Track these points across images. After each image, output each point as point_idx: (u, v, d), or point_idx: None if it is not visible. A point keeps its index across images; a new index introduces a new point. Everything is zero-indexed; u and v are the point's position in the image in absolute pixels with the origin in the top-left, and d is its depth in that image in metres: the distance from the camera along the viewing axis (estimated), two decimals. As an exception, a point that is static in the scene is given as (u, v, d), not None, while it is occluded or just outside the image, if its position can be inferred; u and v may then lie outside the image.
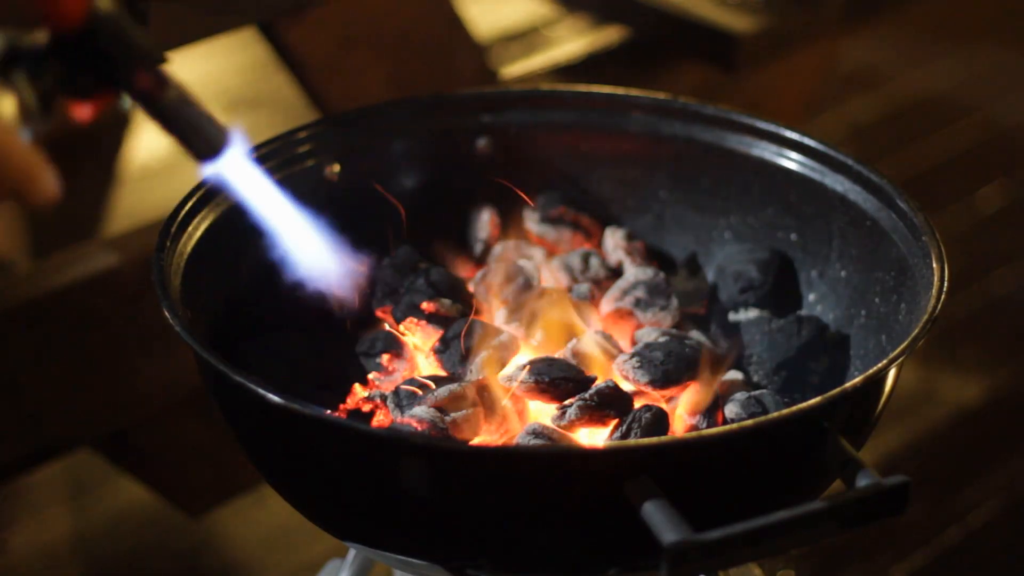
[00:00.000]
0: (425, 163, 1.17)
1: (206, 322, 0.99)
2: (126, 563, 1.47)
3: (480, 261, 1.14)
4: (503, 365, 1.00)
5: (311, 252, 0.96)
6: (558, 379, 0.96)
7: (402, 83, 1.52)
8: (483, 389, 0.96)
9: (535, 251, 1.14)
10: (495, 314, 1.06)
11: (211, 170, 0.89)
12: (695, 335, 1.05)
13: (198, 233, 1.01)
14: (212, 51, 2.17)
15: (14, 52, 0.78)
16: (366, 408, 0.97)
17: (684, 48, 1.76)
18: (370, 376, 1.01)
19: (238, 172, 0.90)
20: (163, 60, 0.82)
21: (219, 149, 0.87)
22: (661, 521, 0.78)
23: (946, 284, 0.94)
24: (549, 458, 0.84)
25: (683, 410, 0.97)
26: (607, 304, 1.08)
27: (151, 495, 1.51)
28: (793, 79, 1.93)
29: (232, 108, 2.25)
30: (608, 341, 1.02)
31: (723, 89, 1.80)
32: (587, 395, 0.95)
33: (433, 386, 0.96)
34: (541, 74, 1.76)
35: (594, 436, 0.95)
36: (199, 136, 0.87)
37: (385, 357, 1.02)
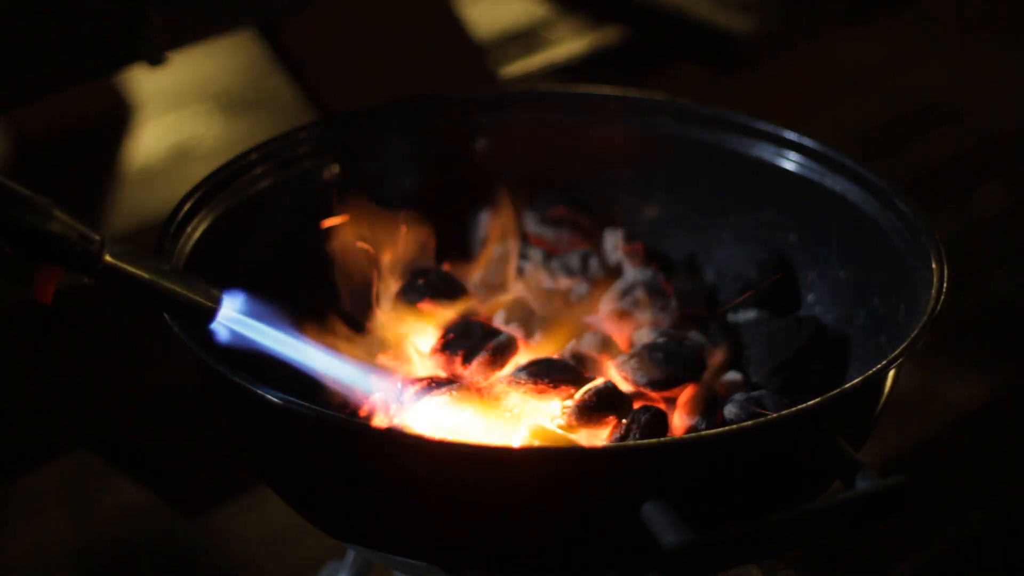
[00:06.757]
0: (424, 163, 1.16)
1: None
2: (125, 563, 1.47)
3: (480, 262, 1.14)
4: (502, 366, 1.00)
5: (337, 376, 0.93)
6: (557, 380, 0.96)
7: (402, 83, 1.52)
8: (482, 390, 0.96)
9: (534, 252, 1.14)
10: (495, 315, 1.06)
11: (210, 330, 0.85)
12: (694, 336, 1.05)
13: (197, 234, 1.01)
14: (212, 51, 2.16)
15: None
16: (366, 408, 0.97)
17: (683, 48, 1.76)
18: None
19: (237, 328, 0.88)
20: None
21: (211, 314, 0.85)
22: (660, 522, 0.78)
23: (946, 284, 0.94)
24: (548, 459, 0.84)
25: (682, 411, 0.97)
26: (606, 305, 1.08)
27: (151, 495, 1.50)
28: (793, 79, 1.93)
29: (232, 108, 2.24)
30: (607, 342, 1.02)
31: (722, 89, 1.80)
32: (586, 396, 0.95)
33: (433, 386, 0.95)
34: (541, 74, 1.76)
35: (593, 437, 0.95)
36: (184, 306, 0.84)
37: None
